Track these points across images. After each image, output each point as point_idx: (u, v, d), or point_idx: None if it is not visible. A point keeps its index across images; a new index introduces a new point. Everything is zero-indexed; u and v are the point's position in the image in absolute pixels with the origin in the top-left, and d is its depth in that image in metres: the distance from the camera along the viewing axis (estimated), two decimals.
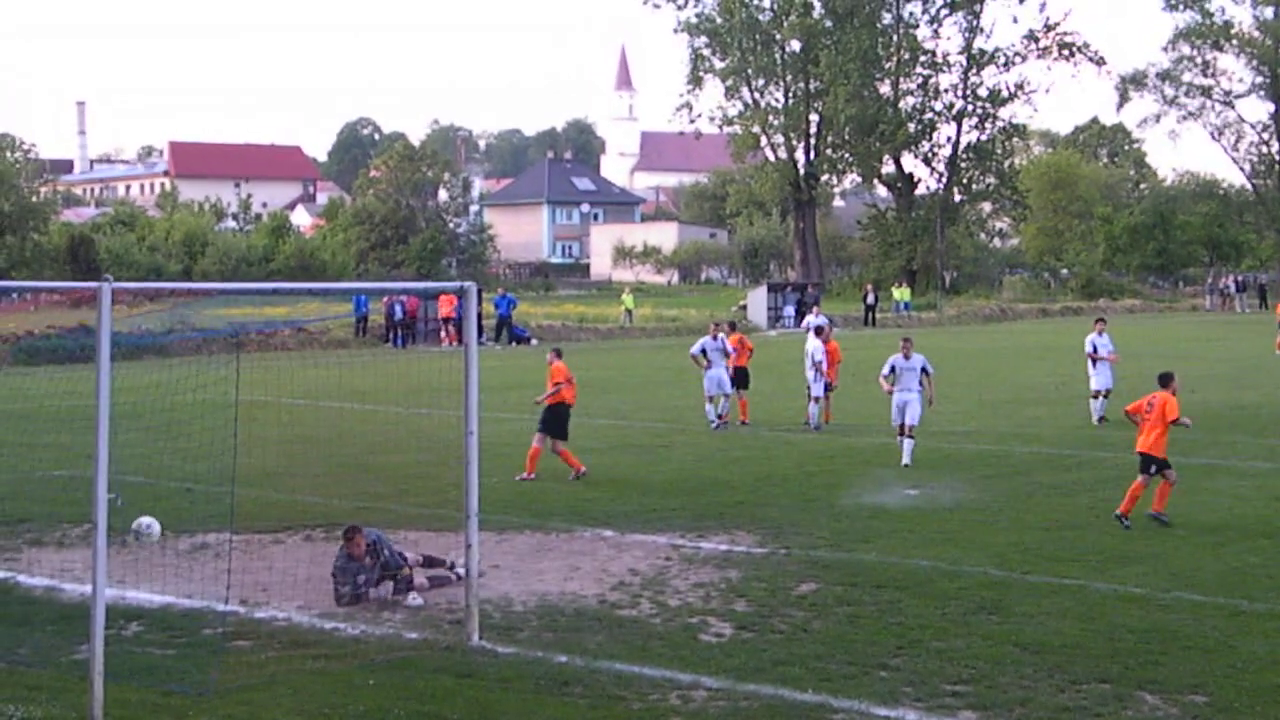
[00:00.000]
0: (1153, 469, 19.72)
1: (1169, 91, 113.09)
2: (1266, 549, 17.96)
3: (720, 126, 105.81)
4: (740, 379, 31.91)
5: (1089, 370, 32.03)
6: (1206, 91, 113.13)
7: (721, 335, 31.28)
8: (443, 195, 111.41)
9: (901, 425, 25.23)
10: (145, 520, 17.80)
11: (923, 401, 25.31)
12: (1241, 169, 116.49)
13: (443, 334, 60.19)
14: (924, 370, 25.35)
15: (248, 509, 19.28)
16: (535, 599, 15.51)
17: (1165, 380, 19.98)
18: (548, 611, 14.98)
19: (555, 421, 24.13)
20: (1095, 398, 31.54)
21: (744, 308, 76.92)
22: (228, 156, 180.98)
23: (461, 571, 16.04)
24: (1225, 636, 13.86)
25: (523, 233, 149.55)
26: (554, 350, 25.73)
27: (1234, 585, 15.95)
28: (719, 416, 30.79)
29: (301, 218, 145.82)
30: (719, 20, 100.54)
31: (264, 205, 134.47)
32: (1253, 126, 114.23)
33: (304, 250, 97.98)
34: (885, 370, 25.69)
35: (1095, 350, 31.79)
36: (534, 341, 60.74)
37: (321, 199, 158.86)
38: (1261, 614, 14.70)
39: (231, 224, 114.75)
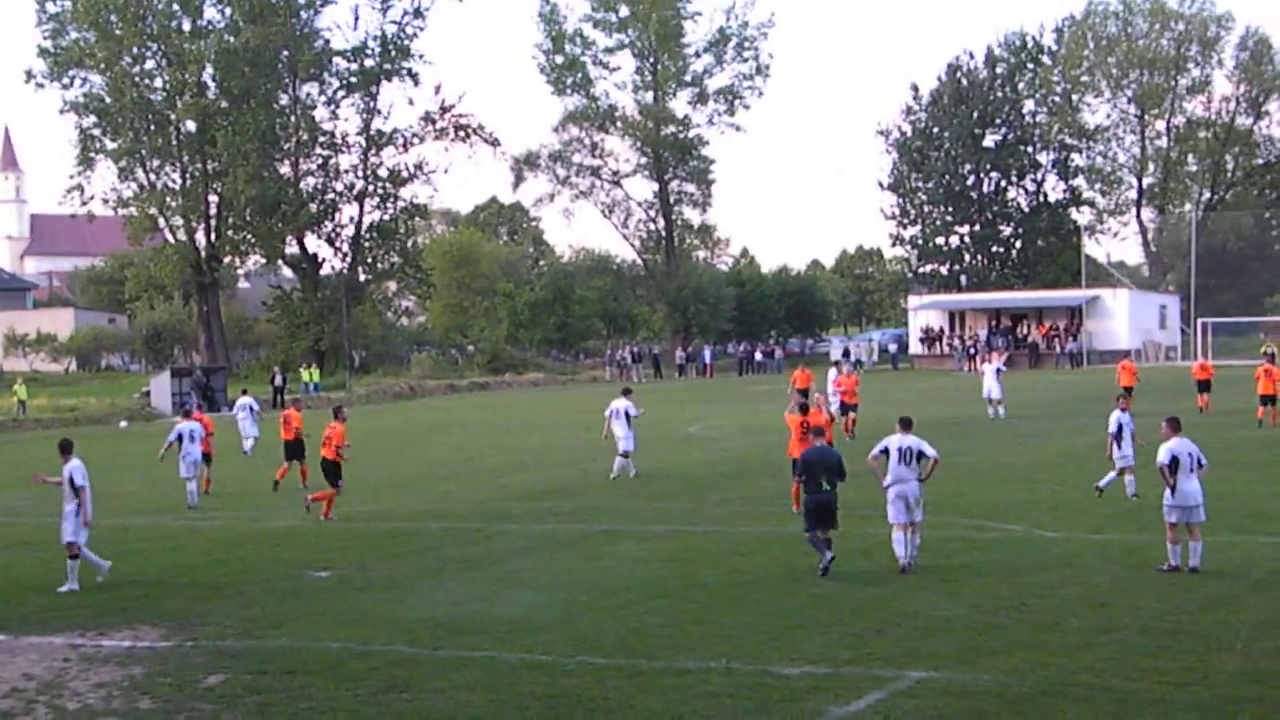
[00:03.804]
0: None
1: (561, 171, 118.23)
2: (663, 608, 18.74)
3: (115, 209, 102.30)
4: (294, 450, 34.73)
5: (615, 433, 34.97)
6: (596, 171, 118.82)
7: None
8: None
9: None
10: None
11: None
12: (632, 244, 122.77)
13: None
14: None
15: None
16: None
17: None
18: None
19: None
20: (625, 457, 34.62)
21: (147, 394, 74.47)
22: None
23: None
24: (625, 696, 14.36)
25: None
26: None
27: (634, 646, 16.57)
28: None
29: None
30: (109, 100, 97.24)
31: None
32: (640, 204, 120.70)
33: None
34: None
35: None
36: None
37: None
38: (660, 671, 15.30)
39: None
